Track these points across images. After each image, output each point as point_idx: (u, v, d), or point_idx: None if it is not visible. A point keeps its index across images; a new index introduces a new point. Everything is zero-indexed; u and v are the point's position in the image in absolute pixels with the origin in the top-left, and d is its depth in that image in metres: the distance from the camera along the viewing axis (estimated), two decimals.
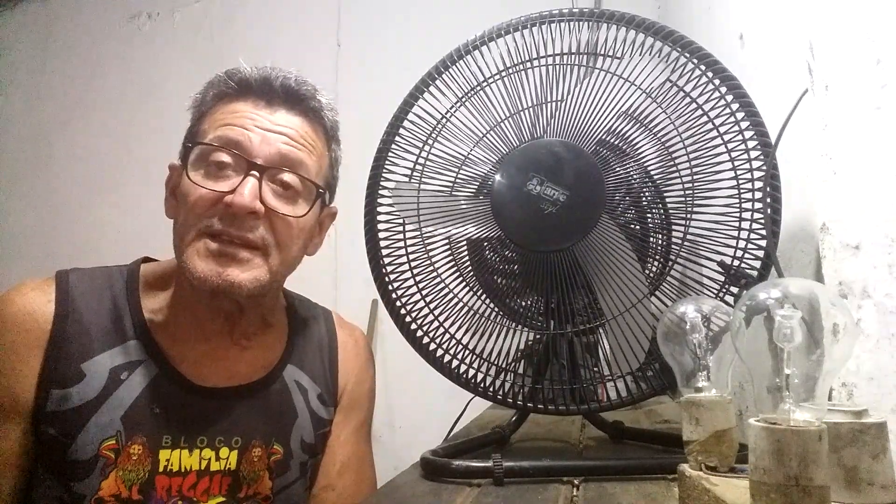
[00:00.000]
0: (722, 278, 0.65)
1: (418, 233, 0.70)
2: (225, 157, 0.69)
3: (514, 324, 0.71)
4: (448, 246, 0.73)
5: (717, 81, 0.64)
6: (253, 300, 0.74)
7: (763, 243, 0.63)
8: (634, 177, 0.69)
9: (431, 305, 0.72)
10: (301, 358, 0.82)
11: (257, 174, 0.69)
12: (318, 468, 0.81)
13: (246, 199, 0.67)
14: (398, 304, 0.72)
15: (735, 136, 0.64)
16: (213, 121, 0.72)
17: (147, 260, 0.81)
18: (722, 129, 0.64)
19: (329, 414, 0.82)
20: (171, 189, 0.75)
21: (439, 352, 0.72)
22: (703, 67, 0.65)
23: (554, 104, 0.69)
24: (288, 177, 0.71)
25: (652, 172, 0.69)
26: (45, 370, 0.67)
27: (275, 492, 0.75)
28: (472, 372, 0.71)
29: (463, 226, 0.69)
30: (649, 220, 0.72)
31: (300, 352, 0.82)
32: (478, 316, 0.72)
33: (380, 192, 0.72)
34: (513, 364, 0.71)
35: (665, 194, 0.69)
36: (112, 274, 0.75)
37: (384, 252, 0.72)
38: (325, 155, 0.77)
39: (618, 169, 0.68)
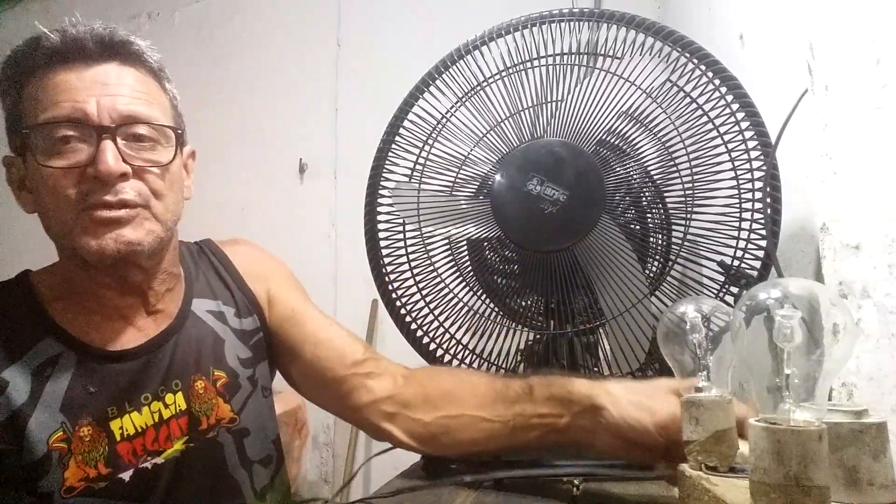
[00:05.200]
0: (722, 278, 0.65)
1: (418, 233, 0.71)
2: (69, 132, 0.66)
3: (514, 324, 0.71)
4: (448, 246, 0.73)
5: (717, 81, 0.64)
6: (156, 260, 0.74)
7: (763, 243, 0.63)
8: (634, 177, 0.69)
9: (431, 305, 0.72)
10: (202, 288, 0.82)
11: (109, 136, 0.66)
12: (276, 371, 0.83)
13: (111, 164, 0.64)
14: (398, 304, 0.72)
15: (735, 136, 0.64)
16: (36, 101, 0.68)
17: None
18: (722, 129, 0.64)
19: (254, 323, 0.82)
20: (18, 183, 0.73)
21: (439, 352, 0.72)
22: (703, 67, 0.65)
23: (554, 104, 0.69)
24: (140, 128, 0.69)
25: (652, 172, 0.69)
26: None
27: (237, 411, 0.77)
28: None
29: (463, 226, 0.69)
30: (649, 220, 0.72)
31: (200, 283, 0.82)
32: (478, 316, 0.71)
33: (380, 192, 0.72)
34: (513, 364, 0.71)
35: (665, 194, 0.69)
36: (1, 289, 0.74)
37: (384, 252, 0.72)
38: (163, 95, 0.74)
39: (618, 169, 0.68)
